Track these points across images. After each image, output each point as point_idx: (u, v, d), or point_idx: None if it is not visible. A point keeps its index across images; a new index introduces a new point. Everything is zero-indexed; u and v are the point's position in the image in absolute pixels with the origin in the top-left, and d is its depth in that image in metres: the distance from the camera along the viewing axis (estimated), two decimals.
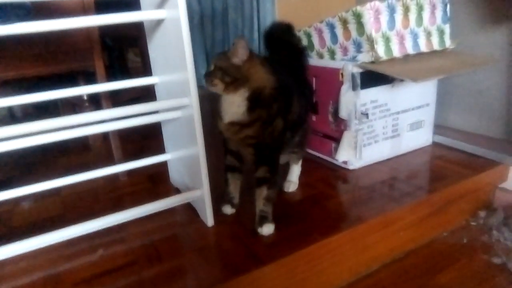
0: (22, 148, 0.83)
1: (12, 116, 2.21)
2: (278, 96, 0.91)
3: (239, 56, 0.87)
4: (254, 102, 0.89)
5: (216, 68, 0.88)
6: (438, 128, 1.50)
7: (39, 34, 0.79)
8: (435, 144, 1.49)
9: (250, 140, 0.92)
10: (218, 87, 0.88)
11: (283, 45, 1.11)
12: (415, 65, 1.18)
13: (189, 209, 1.09)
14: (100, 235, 0.97)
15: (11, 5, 0.77)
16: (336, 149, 1.29)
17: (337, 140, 1.29)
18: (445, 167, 1.30)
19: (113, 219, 0.95)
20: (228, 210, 1.05)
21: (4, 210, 1.18)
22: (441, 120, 1.50)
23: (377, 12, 1.14)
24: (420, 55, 1.27)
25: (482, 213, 1.23)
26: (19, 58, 1.15)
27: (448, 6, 1.32)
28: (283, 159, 1.17)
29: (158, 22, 0.97)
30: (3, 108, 2.15)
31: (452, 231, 1.17)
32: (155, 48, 1.09)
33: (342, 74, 1.21)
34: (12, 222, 1.11)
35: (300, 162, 1.19)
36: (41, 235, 0.88)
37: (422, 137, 1.45)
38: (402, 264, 1.04)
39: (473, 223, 1.20)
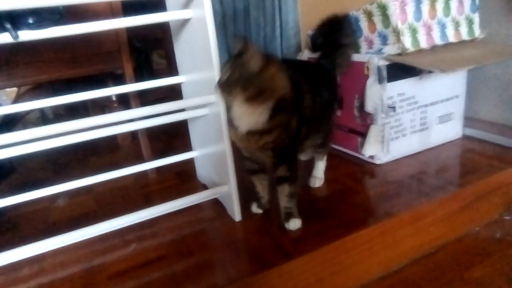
0: (56, 148, 0.87)
1: (43, 118, 2.31)
2: (295, 97, 0.88)
3: (256, 62, 0.79)
4: (276, 109, 0.83)
5: (236, 76, 0.79)
6: (469, 120, 1.45)
7: (70, 37, 0.83)
8: (465, 137, 1.45)
9: (269, 145, 0.88)
10: (237, 98, 0.80)
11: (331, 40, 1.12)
12: (444, 56, 1.15)
13: (216, 204, 1.11)
14: (132, 230, 1.00)
15: (45, 10, 0.81)
16: (362, 144, 1.28)
17: (363, 134, 1.28)
18: (476, 160, 1.26)
19: (143, 214, 0.98)
20: (254, 209, 1.05)
21: (41, 207, 1.23)
22: (471, 112, 1.45)
23: (403, 3, 1.12)
24: (448, 45, 1.24)
25: None
26: (52, 61, 1.20)
27: None
28: (307, 155, 1.18)
29: (184, 22, 1.00)
30: (36, 110, 2.25)
31: (484, 226, 1.14)
32: (181, 48, 1.11)
33: (367, 67, 1.19)
34: (49, 219, 1.16)
35: (325, 158, 1.19)
36: (77, 230, 0.92)
37: (452, 130, 1.42)
38: (433, 259, 1.02)
39: (506, 217, 1.16)
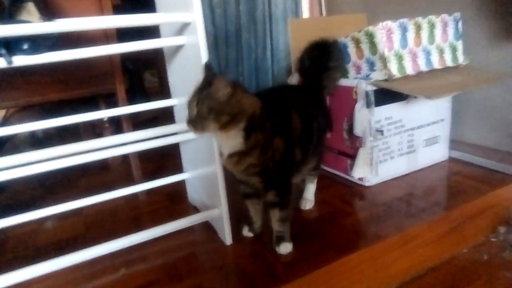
0: (45, 171, 0.86)
1: (33, 138, 2.29)
2: (269, 115, 0.88)
3: (223, 92, 0.79)
4: (249, 129, 0.85)
5: (205, 110, 0.79)
6: (454, 143, 1.49)
7: (63, 61, 0.84)
8: (451, 159, 1.48)
9: (254, 169, 0.89)
10: (211, 128, 0.81)
11: (318, 62, 1.15)
12: (429, 82, 1.19)
13: (207, 227, 1.11)
14: (121, 254, 0.99)
15: (40, 36, 0.82)
16: (351, 166, 1.30)
17: (352, 157, 1.30)
18: (462, 183, 1.29)
19: (133, 238, 0.97)
20: (245, 232, 1.05)
21: (29, 230, 1.21)
22: (457, 135, 1.49)
23: (389, 32, 1.17)
24: (433, 72, 1.28)
25: (502, 229, 1.21)
26: (44, 83, 1.20)
27: (460, 23, 1.33)
28: (298, 178, 1.18)
29: (178, 48, 1.02)
30: (27, 132, 2.22)
31: (472, 248, 1.15)
32: (174, 72, 1.13)
33: (356, 92, 1.23)
34: (37, 242, 1.14)
35: (315, 180, 1.21)
36: (65, 256, 0.90)
37: (438, 153, 1.45)
38: (422, 281, 1.02)
39: (493, 239, 1.18)
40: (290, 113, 0.95)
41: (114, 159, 1.78)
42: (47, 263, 0.89)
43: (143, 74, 2.83)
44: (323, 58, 1.17)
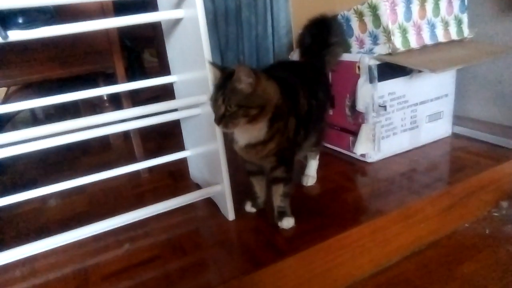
0: (48, 148, 0.86)
1: (34, 117, 2.28)
2: (284, 98, 0.87)
3: (247, 82, 0.77)
4: (273, 118, 0.84)
5: (234, 106, 0.77)
6: (458, 119, 1.48)
7: (60, 37, 0.82)
8: (454, 135, 1.47)
9: (272, 152, 0.89)
10: (241, 124, 0.79)
11: (319, 38, 1.13)
12: (433, 56, 1.16)
13: (210, 204, 1.11)
14: (125, 230, 1.00)
15: (36, 10, 0.80)
16: (354, 143, 1.29)
17: (354, 133, 1.29)
18: (465, 158, 1.28)
19: (136, 214, 0.97)
20: (248, 208, 1.06)
21: (32, 208, 1.22)
22: (461, 110, 1.48)
23: (393, 4, 1.14)
24: (438, 45, 1.26)
25: (504, 204, 1.21)
26: (42, 61, 1.19)
27: None
28: (300, 154, 1.18)
29: (176, 22, 0.99)
30: (26, 110, 2.22)
31: (474, 222, 1.16)
32: (173, 48, 1.11)
33: (358, 66, 1.20)
34: (41, 219, 1.15)
35: (317, 157, 1.20)
36: (69, 231, 0.91)
37: (441, 128, 1.44)
38: (423, 256, 1.03)
39: (495, 214, 1.19)
40: (297, 92, 0.95)
41: (116, 138, 1.77)
42: (52, 238, 0.90)
43: (143, 54, 2.80)
44: (323, 34, 1.14)
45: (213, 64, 0.84)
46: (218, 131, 0.93)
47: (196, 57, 0.92)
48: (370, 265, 0.99)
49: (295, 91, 0.94)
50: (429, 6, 1.22)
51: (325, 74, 1.17)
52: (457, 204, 1.13)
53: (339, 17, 1.29)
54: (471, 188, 1.16)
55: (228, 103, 0.77)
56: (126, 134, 1.46)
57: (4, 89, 1.73)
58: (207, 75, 0.89)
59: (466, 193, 1.15)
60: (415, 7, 1.19)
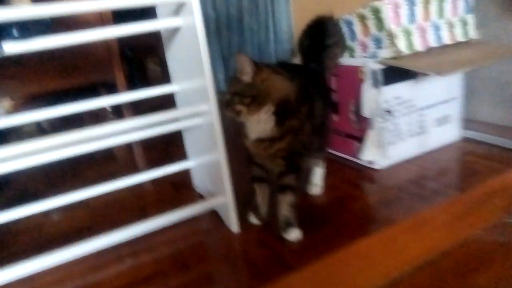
0: (49, 161, 0.84)
1: (38, 131, 2.28)
2: (304, 100, 0.87)
3: (246, 72, 0.82)
4: (282, 114, 0.84)
5: (232, 94, 0.84)
6: (467, 122, 1.44)
7: (59, 48, 0.81)
8: (464, 139, 1.43)
9: (282, 153, 0.88)
10: (242, 112, 0.84)
11: (318, 39, 1.10)
12: (439, 58, 1.14)
13: (214, 215, 1.09)
14: (127, 244, 0.97)
15: (31, 22, 0.79)
16: (360, 149, 1.26)
17: (360, 139, 1.26)
18: (476, 163, 1.24)
19: (139, 229, 0.95)
20: (253, 220, 1.03)
21: (34, 222, 1.20)
22: (469, 114, 1.44)
23: (396, 6, 1.11)
24: (443, 47, 1.23)
25: None
26: (41, 73, 1.18)
27: None
28: (307, 161, 1.16)
29: (175, 31, 0.98)
30: (32, 124, 2.22)
31: (487, 230, 1.11)
32: (173, 57, 1.09)
33: (362, 71, 1.18)
34: (42, 234, 1.13)
35: (323, 164, 1.17)
36: (70, 248, 0.89)
37: (450, 133, 1.40)
38: (436, 266, 0.99)
39: (509, 221, 1.14)
40: (313, 94, 0.94)
41: (119, 149, 1.77)
42: (52, 255, 0.88)
43: (146, 63, 2.80)
44: (320, 36, 1.11)
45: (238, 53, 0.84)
46: (220, 140, 0.91)
47: (195, 65, 0.90)
48: (380, 278, 0.94)
49: (310, 94, 0.93)
50: (433, 7, 1.20)
51: (325, 77, 1.14)
52: (469, 211, 1.10)
53: (341, 21, 1.26)
54: (484, 194, 1.12)
55: (228, 90, 0.85)
56: (129, 145, 1.44)
57: (11, 102, 1.73)
58: (207, 84, 0.87)
59: (478, 199, 1.11)
60: (419, 9, 1.16)
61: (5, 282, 0.86)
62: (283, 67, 1.06)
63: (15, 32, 0.73)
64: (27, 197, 1.43)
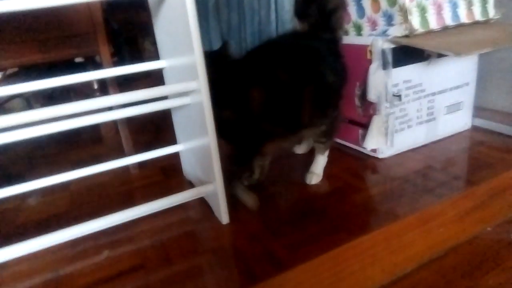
0: (31, 140, 0.77)
1: (24, 107, 2.20)
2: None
3: None
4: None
5: None
6: (479, 110, 1.35)
7: (39, 18, 0.71)
8: (475, 128, 1.35)
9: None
10: None
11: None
12: (456, 38, 1.03)
13: (203, 204, 1.01)
14: (106, 234, 0.90)
15: None
16: (364, 136, 1.17)
17: (365, 126, 1.17)
18: (487, 154, 1.17)
19: (121, 217, 0.87)
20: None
21: (10, 206, 1.12)
22: (481, 101, 1.35)
23: None
24: (460, 26, 1.13)
25: None
26: (19, 45, 1.08)
27: None
28: (304, 147, 1.15)
29: (162, 0, 0.87)
30: (19, 102, 2.13)
31: (497, 226, 1.04)
32: (162, 30, 0.99)
33: (370, 51, 1.08)
34: (17, 220, 1.05)
35: (326, 153, 1.09)
36: (44, 236, 0.81)
37: (461, 121, 1.32)
38: (442, 263, 0.92)
39: None
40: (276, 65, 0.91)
41: (108, 130, 1.68)
42: (24, 243, 0.80)
43: (144, 44, 2.70)
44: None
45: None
46: (209, 122, 0.82)
47: (184, 40, 0.81)
48: (382, 276, 0.87)
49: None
50: None
51: (335, 50, 1.00)
52: (479, 206, 1.02)
53: None
54: (494, 188, 1.05)
55: None
56: (117, 127, 1.36)
57: None
58: (195, 61, 0.78)
59: (489, 194, 1.03)
60: None
61: None
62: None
63: None
64: (4, 179, 1.35)
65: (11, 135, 0.75)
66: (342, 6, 1.00)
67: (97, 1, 0.95)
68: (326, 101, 0.98)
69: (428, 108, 1.20)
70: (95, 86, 1.50)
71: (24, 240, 0.80)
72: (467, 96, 1.28)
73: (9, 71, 1.77)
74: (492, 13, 1.19)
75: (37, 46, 1.09)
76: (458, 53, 0.91)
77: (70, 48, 1.12)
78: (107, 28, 1.16)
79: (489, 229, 1.03)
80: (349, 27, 1.20)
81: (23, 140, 0.76)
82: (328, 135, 1.04)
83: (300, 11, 1.00)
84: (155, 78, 1.62)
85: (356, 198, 0.98)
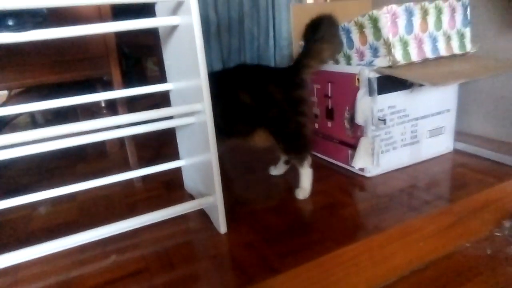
0: (43, 154, 0.84)
1: (33, 122, 2.28)
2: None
3: None
4: None
5: None
6: (459, 134, 1.45)
7: (56, 42, 0.81)
8: (456, 151, 1.44)
9: None
10: None
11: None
12: (435, 69, 1.14)
13: (202, 216, 1.08)
14: (113, 240, 0.97)
15: (27, 12, 0.79)
16: (352, 156, 1.26)
17: (353, 146, 1.26)
18: (467, 175, 1.25)
19: (126, 224, 0.95)
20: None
21: (22, 215, 1.19)
22: (463, 126, 1.45)
23: (394, 16, 1.12)
24: (439, 59, 1.24)
25: (507, 223, 1.17)
26: (37, 66, 1.17)
27: (469, 9, 1.28)
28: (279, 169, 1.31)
29: (172, 29, 0.98)
30: (26, 115, 2.21)
31: (475, 242, 1.11)
32: (170, 55, 1.09)
33: (358, 79, 1.18)
34: (29, 227, 1.12)
35: (305, 166, 1.15)
36: (55, 240, 0.89)
37: (443, 144, 1.41)
38: (422, 276, 0.99)
39: (497, 234, 1.14)
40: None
41: (112, 146, 1.76)
42: (37, 247, 0.88)
43: (146, 63, 2.79)
44: (311, 31, 1.07)
45: None
46: (212, 140, 0.91)
47: (191, 65, 0.91)
48: (365, 285, 0.94)
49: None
50: (431, 19, 1.20)
51: (294, 81, 1.10)
52: (458, 223, 1.10)
53: (340, 28, 1.27)
54: (473, 206, 1.12)
55: None
56: (123, 142, 1.44)
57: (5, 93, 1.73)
58: (201, 84, 0.87)
59: (468, 212, 1.11)
60: (417, 20, 1.17)
61: None
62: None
63: (10, 22, 0.73)
64: (15, 189, 1.42)
65: (21, 150, 0.82)
66: (329, 38, 1.08)
67: (111, 31, 1.05)
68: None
69: (412, 132, 1.30)
70: (103, 104, 1.59)
71: (36, 244, 0.87)
72: (448, 121, 1.38)
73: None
74: (469, 47, 1.30)
75: (54, 67, 1.19)
76: (433, 83, 1.01)
77: (84, 69, 1.21)
78: (118, 51, 1.26)
79: (467, 245, 1.11)
80: (340, 57, 1.31)
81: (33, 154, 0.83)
82: (290, 151, 1.16)
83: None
84: (158, 96, 1.71)
85: (344, 212, 1.06)
